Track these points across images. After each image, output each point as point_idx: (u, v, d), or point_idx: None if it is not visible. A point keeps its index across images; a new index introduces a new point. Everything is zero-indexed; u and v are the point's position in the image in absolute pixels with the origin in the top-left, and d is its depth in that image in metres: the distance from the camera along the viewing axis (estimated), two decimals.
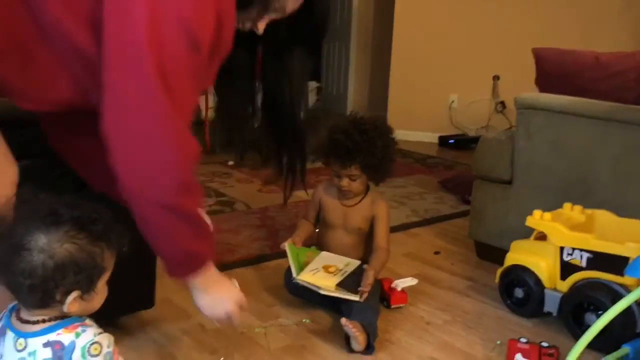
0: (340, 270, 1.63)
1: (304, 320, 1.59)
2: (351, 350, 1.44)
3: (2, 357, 0.90)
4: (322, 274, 1.61)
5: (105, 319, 1.44)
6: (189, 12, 0.94)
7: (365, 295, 1.53)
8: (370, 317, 1.50)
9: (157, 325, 1.53)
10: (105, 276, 0.92)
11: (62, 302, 0.86)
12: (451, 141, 4.40)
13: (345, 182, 1.69)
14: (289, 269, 1.64)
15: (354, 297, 1.52)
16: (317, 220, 1.82)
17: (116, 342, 1.41)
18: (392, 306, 1.68)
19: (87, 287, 0.88)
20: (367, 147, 1.65)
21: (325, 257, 1.67)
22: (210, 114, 1.42)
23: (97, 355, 0.86)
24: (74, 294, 0.86)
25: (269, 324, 1.57)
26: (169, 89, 0.95)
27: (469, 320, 1.64)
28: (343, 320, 1.43)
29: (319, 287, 1.53)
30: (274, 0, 1.09)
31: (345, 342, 1.45)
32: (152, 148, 0.99)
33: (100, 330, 0.90)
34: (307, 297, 1.66)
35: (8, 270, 0.85)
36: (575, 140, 1.78)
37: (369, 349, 1.43)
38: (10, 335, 0.89)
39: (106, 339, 0.89)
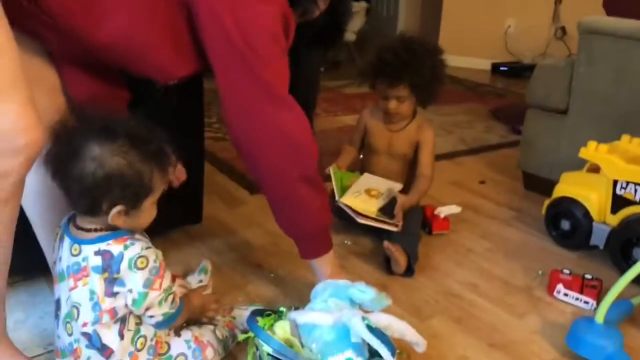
0: (382, 194, 1.63)
1: (345, 242, 1.62)
2: (391, 272, 1.46)
3: (60, 260, 0.96)
4: (364, 197, 1.62)
5: (154, 231, 1.53)
6: (268, 20, 1.06)
7: (400, 225, 1.54)
8: (412, 242, 1.51)
9: (204, 239, 1.59)
10: (153, 197, 0.95)
11: (107, 212, 0.90)
12: (505, 68, 4.22)
13: (392, 103, 1.65)
14: (332, 192, 1.66)
15: (391, 228, 1.53)
16: (362, 145, 1.80)
17: (165, 254, 1.48)
18: (434, 233, 1.69)
19: (132, 204, 0.91)
20: (416, 66, 1.60)
21: (368, 179, 1.67)
22: None
23: (143, 269, 0.91)
24: (118, 208, 0.90)
25: None
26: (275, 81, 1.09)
27: (511, 250, 1.63)
28: (385, 243, 1.45)
29: (357, 215, 1.54)
30: (313, 6, 1.20)
31: (386, 263, 1.48)
32: (287, 134, 1.11)
33: (149, 245, 0.94)
34: (351, 219, 1.68)
35: (64, 174, 0.90)
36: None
37: (409, 271, 1.45)
38: (67, 240, 0.95)
39: (153, 254, 0.93)
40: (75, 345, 0.94)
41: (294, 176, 1.13)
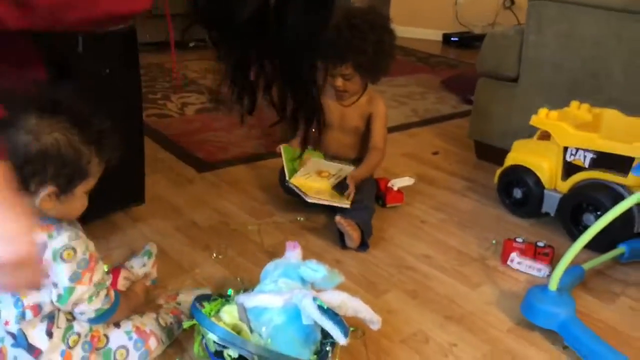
0: (333, 175, 1.59)
1: (298, 218, 1.57)
2: (345, 247, 1.43)
3: None
4: (314, 177, 1.57)
5: (95, 214, 1.45)
6: None
7: (351, 198, 1.50)
8: (365, 215, 1.48)
9: (148, 221, 1.50)
10: (87, 184, 0.87)
11: (35, 193, 0.81)
12: (455, 39, 4.22)
13: (339, 81, 1.59)
14: (283, 169, 1.60)
15: (342, 204, 1.49)
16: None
17: (106, 238, 1.41)
18: (388, 205, 1.66)
19: (65, 187, 0.83)
20: (358, 45, 1.52)
21: (318, 162, 1.62)
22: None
23: (69, 261, 0.83)
24: (49, 189, 0.81)
25: (262, 221, 1.55)
26: None
27: (465, 220, 1.62)
28: (337, 218, 1.40)
29: (306, 195, 1.49)
30: None
31: (340, 239, 1.44)
32: None
33: (78, 235, 0.85)
34: (302, 198, 1.63)
35: None
36: (589, 33, 1.66)
37: (362, 246, 1.42)
38: None
39: (82, 245, 0.85)
40: (0, 345, 0.86)
41: None
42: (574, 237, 1.45)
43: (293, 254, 1.24)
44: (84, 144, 0.83)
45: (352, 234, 1.39)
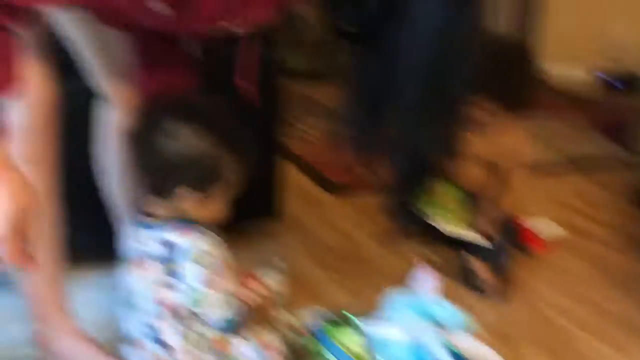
0: None
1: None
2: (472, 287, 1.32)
3: (128, 246, 0.92)
4: None
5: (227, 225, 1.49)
6: None
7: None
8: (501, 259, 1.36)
9: (277, 237, 1.52)
10: (224, 186, 0.90)
11: (174, 195, 0.86)
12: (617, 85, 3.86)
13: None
14: None
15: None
16: None
17: (232, 248, 1.45)
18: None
19: (201, 189, 0.87)
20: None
21: None
22: None
23: (205, 265, 0.85)
24: (189, 191, 0.86)
25: (388, 250, 1.49)
26: None
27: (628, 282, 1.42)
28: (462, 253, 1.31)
29: None
30: None
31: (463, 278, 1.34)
32: None
33: (216, 241, 0.89)
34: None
35: (143, 149, 0.87)
36: None
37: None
38: (134, 226, 0.92)
39: (218, 251, 0.87)
40: (140, 337, 0.90)
41: None
42: None
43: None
44: (219, 147, 0.87)
45: (480, 272, 1.29)
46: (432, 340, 0.83)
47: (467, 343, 0.90)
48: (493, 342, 1.14)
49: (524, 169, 1.57)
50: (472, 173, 1.58)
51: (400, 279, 1.34)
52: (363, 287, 1.31)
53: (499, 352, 1.09)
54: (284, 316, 1.09)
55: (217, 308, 0.87)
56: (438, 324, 0.94)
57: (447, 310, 0.92)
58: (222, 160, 0.88)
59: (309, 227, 1.60)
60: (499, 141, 1.53)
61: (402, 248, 1.51)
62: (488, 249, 1.38)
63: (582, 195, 1.97)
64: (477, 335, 1.12)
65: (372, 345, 0.88)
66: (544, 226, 1.53)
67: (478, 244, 1.40)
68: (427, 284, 1.21)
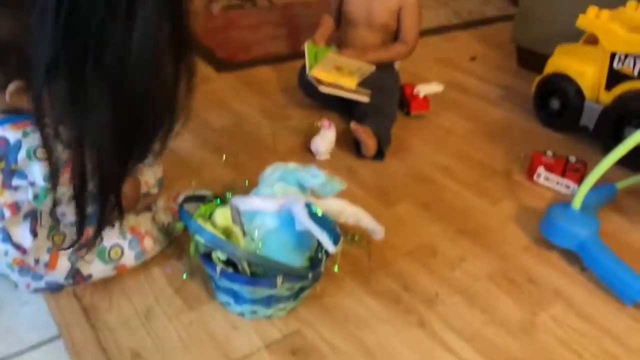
0: (354, 72, 1.48)
1: (316, 124, 1.49)
2: (360, 156, 1.36)
3: None
4: (334, 73, 1.47)
5: None
6: None
7: (368, 95, 1.43)
8: (384, 122, 1.39)
9: None
10: None
11: (3, 87, 0.74)
12: None
13: None
14: (303, 68, 1.51)
15: (361, 98, 1.42)
16: (339, 16, 1.62)
17: None
18: (412, 113, 1.56)
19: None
20: None
21: (335, 58, 1.49)
22: None
23: (45, 160, 0.76)
24: (17, 84, 0.73)
25: (278, 125, 1.48)
26: None
27: (494, 131, 1.51)
28: (352, 124, 1.33)
29: (320, 83, 1.42)
30: None
31: (355, 146, 1.37)
32: None
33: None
34: (322, 100, 1.55)
35: None
36: None
37: (378, 155, 1.35)
38: None
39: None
40: None
41: None
42: None
43: (328, 132, 1.34)
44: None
45: (368, 142, 1.31)
46: (297, 206, 0.84)
47: (335, 204, 0.93)
48: (370, 201, 1.21)
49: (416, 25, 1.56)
50: (363, 35, 1.56)
51: (287, 153, 1.36)
52: (249, 164, 1.31)
53: (375, 210, 1.15)
54: (160, 200, 1.08)
55: (65, 204, 0.82)
56: (307, 190, 0.96)
57: (314, 175, 0.93)
58: None
59: (193, 107, 1.54)
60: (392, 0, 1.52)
61: (293, 122, 1.50)
62: (372, 112, 1.40)
63: (467, 53, 2.01)
64: (354, 197, 1.17)
65: (240, 217, 0.88)
66: (424, 86, 1.54)
67: (359, 99, 1.42)
68: (329, 129, 1.34)
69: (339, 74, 1.47)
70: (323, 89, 1.42)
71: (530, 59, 1.83)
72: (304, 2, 2.39)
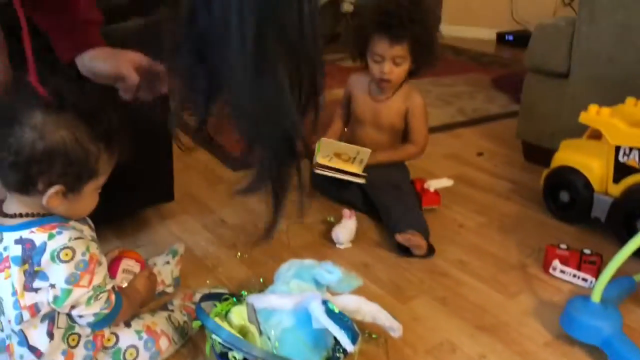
0: (353, 158, 1.53)
1: (328, 219, 1.52)
2: (411, 256, 1.35)
3: None
4: (336, 160, 1.52)
5: (124, 211, 1.45)
6: None
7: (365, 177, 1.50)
8: (419, 221, 1.39)
9: (177, 219, 1.50)
10: (97, 181, 0.85)
11: (43, 192, 0.79)
12: (510, 37, 4.05)
13: (387, 66, 1.48)
14: (313, 166, 1.56)
15: (358, 180, 1.49)
16: (348, 116, 1.70)
17: (135, 234, 1.40)
18: (423, 207, 1.58)
19: (72, 185, 0.81)
20: (420, 18, 1.45)
21: (332, 143, 1.52)
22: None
23: (67, 262, 0.80)
24: (57, 188, 0.79)
25: (291, 221, 1.51)
26: None
27: (506, 225, 1.52)
28: (400, 237, 1.32)
29: (318, 166, 1.50)
30: None
31: (400, 250, 1.36)
32: None
33: (81, 235, 0.83)
34: (333, 195, 1.59)
35: None
36: None
37: (430, 251, 1.35)
38: None
39: (83, 246, 0.81)
40: (7, 342, 0.85)
41: None
42: None
43: (349, 221, 1.38)
44: (92, 141, 0.81)
45: (421, 245, 1.33)
46: (314, 304, 0.84)
47: (352, 301, 0.92)
48: (386, 297, 1.20)
49: (424, 126, 1.61)
50: (371, 135, 1.63)
51: (302, 248, 1.37)
52: (263, 262, 1.31)
53: (391, 306, 1.14)
54: (176, 299, 1.08)
55: (83, 304, 0.83)
56: (324, 287, 0.96)
57: (330, 271, 0.94)
58: (97, 155, 0.82)
59: (209, 205, 1.58)
60: (397, 101, 1.58)
61: (306, 218, 1.53)
62: (403, 212, 1.41)
63: (474, 148, 2.07)
64: (371, 293, 1.16)
65: (256, 315, 0.88)
66: (434, 181, 1.58)
67: (357, 181, 1.49)
68: (350, 219, 1.39)
69: (339, 159, 1.52)
70: (317, 169, 1.49)
71: (537, 153, 1.88)
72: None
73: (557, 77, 1.74)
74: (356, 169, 1.51)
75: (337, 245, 1.39)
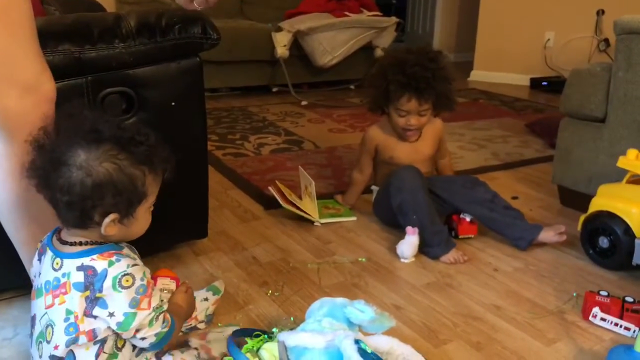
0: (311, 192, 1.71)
1: (359, 259, 1.51)
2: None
3: (40, 275, 0.89)
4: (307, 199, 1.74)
5: (159, 246, 1.47)
6: None
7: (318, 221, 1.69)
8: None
9: (210, 255, 1.51)
10: (147, 202, 0.89)
11: (100, 223, 0.84)
12: (545, 83, 4.05)
13: (414, 120, 1.63)
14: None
15: (312, 219, 1.69)
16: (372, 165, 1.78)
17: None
18: (460, 236, 1.61)
19: (125, 211, 0.85)
20: (443, 75, 1.60)
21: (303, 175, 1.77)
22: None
23: (128, 287, 0.83)
24: (112, 217, 0.84)
25: (323, 260, 1.50)
26: None
27: (543, 270, 1.48)
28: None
29: (284, 200, 1.71)
30: None
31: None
32: None
33: (135, 262, 0.87)
34: (393, 223, 1.66)
35: (47, 185, 0.84)
36: None
37: None
38: (49, 254, 0.88)
39: (140, 272, 0.85)
40: None
41: None
42: None
43: (412, 237, 1.47)
44: (135, 166, 0.85)
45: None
46: (346, 343, 0.83)
47: (384, 342, 0.91)
48: (419, 340, 1.17)
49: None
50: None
51: (332, 288, 1.36)
52: (294, 300, 1.31)
53: (424, 349, 1.11)
54: (194, 337, 1.07)
55: (146, 326, 0.85)
56: (355, 327, 0.95)
57: (362, 310, 0.92)
58: (142, 178, 0.85)
59: (241, 242, 1.59)
60: (427, 133, 1.71)
61: (337, 257, 1.52)
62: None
63: (508, 191, 2.04)
64: (403, 335, 1.14)
65: (288, 353, 0.87)
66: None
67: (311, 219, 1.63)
68: (413, 235, 1.48)
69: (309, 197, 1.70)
70: (286, 205, 1.68)
71: (573, 198, 1.84)
72: (347, 145, 2.53)
73: (594, 121, 1.73)
74: (311, 207, 1.69)
75: (402, 260, 1.50)
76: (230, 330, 1.02)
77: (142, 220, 0.89)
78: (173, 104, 1.25)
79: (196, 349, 0.99)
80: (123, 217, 0.85)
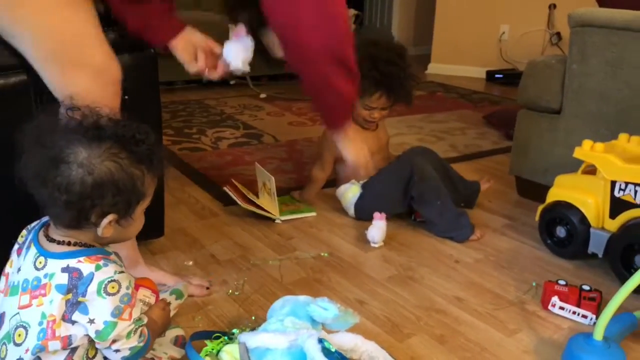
0: (270, 189, 1.68)
1: (322, 254, 1.49)
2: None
3: (20, 271, 0.84)
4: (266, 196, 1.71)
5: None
6: None
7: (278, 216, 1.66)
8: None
9: (167, 254, 1.46)
10: (145, 203, 0.86)
11: (97, 224, 0.80)
12: (499, 76, 4.12)
13: (378, 113, 1.69)
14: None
15: (271, 216, 1.65)
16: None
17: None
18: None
19: (124, 212, 0.82)
20: (410, 73, 1.65)
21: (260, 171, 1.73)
22: None
23: (113, 295, 0.79)
24: (110, 217, 0.80)
25: (284, 256, 1.48)
26: None
27: (502, 260, 1.50)
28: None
29: (243, 200, 1.68)
30: None
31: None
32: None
33: (122, 268, 0.83)
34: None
35: (44, 183, 0.78)
36: (638, 61, 1.55)
37: None
38: (33, 250, 0.83)
39: (126, 280, 0.82)
40: None
41: (329, 54, 1.16)
42: (624, 281, 1.30)
43: (381, 222, 1.51)
44: (135, 165, 0.82)
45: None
46: (310, 343, 0.81)
47: (348, 339, 0.89)
48: (382, 335, 1.16)
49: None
50: (376, 159, 1.70)
51: (294, 285, 1.34)
52: (255, 298, 1.28)
53: (388, 344, 1.10)
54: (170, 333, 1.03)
55: (124, 338, 0.81)
56: (319, 325, 0.93)
57: (325, 308, 0.90)
58: (142, 178, 0.83)
59: (200, 240, 1.55)
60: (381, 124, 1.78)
61: (298, 253, 1.50)
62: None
63: None
64: (366, 331, 1.13)
65: (249, 354, 0.84)
66: None
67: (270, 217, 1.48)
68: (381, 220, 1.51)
69: (269, 194, 1.69)
70: (244, 204, 1.65)
71: (530, 188, 1.87)
72: (307, 138, 2.50)
73: (550, 113, 1.75)
74: (270, 204, 1.66)
75: (372, 244, 1.53)
76: (174, 332, 0.98)
77: (138, 221, 0.87)
78: (126, 97, 1.20)
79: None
80: (121, 218, 0.83)
